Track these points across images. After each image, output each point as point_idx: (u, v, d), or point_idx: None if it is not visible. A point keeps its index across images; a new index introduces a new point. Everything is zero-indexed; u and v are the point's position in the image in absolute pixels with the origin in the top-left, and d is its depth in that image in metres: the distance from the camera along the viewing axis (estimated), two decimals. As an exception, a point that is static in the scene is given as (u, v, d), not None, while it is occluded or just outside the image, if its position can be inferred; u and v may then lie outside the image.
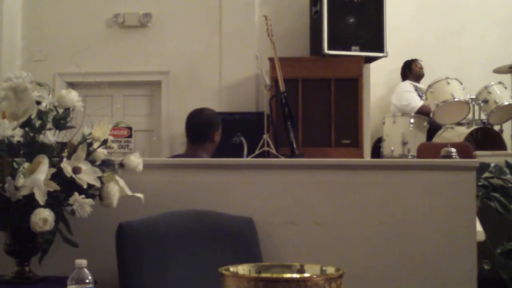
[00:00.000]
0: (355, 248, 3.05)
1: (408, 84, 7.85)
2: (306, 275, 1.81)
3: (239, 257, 2.67)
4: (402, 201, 3.08)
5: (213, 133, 4.46)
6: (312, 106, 6.70)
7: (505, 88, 7.28)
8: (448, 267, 2.99)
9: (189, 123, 4.57)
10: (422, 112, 7.29)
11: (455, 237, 3.00)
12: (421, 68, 8.09)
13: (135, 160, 2.75)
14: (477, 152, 5.59)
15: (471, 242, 3.00)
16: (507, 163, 4.67)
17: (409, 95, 7.64)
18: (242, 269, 1.84)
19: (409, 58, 8.14)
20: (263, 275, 1.79)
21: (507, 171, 4.46)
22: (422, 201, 3.07)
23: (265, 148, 5.90)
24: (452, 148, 3.25)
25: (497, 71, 7.53)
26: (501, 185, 4.33)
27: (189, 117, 4.62)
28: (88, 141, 2.62)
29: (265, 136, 6.02)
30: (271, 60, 6.59)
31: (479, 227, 3.50)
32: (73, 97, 2.68)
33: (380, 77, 7.92)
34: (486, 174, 4.46)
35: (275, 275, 1.80)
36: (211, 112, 4.71)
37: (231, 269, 1.77)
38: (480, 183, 4.25)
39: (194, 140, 4.48)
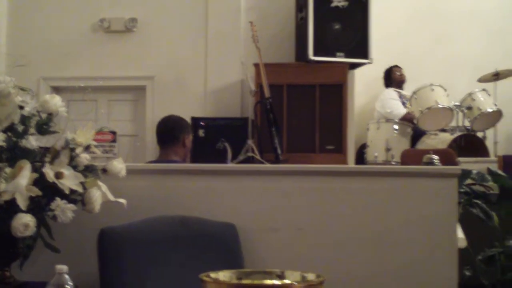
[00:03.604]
0: (337, 254, 3.06)
1: (391, 91, 7.89)
2: (287, 281, 1.82)
3: (221, 263, 2.67)
4: (384, 207, 3.09)
5: (183, 136, 4.53)
6: (296, 112, 6.72)
7: (489, 95, 7.34)
8: (429, 273, 3.00)
9: (158, 128, 4.68)
10: (406, 119, 7.33)
11: (437, 244, 3.01)
12: (401, 74, 8.11)
13: (118, 166, 2.75)
14: (460, 159, 5.63)
15: (452, 249, 3.01)
16: (489, 170, 4.70)
17: (392, 102, 7.67)
18: (223, 275, 1.85)
19: (392, 65, 8.17)
20: (244, 281, 1.79)
21: (489, 178, 4.49)
22: (404, 208, 3.08)
23: (249, 154, 5.90)
24: (434, 155, 3.27)
25: (481, 79, 7.59)
26: (483, 192, 4.35)
27: (159, 122, 4.73)
28: (71, 146, 2.61)
29: (250, 142, 6.02)
30: (256, 65, 6.61)
31: (460, 234, 3.52)
32: (56, 102, 2.67)
33: (365, 84, 7.96)
34: (469, 181, 4.48)
35: (255, 282, 1.81)
36: (179, 117, 4.80)
37: (212, 275, 1.78)
38: (462, 190, 4.27)
39: (164, 144, 4.57)
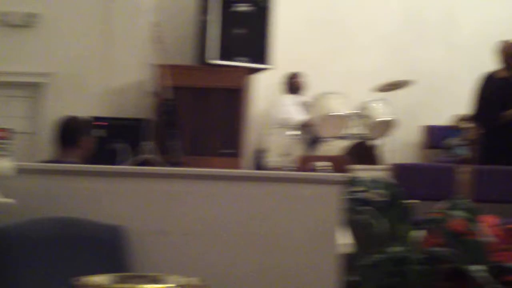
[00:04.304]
0: (224, 258, 3.08)
1: (288, 98, 7.98)
2: (160, 286, 1.82)
3: (105, 265, 2.65)
4: (271, 212, 3.14)
5: (82, 138, 4.46)
6: (196, 115, 6.72)
7: (385, 104, 7.53)
8: (311, 278, 3.06)
9: (57, 128, 4.58)
10: (302, 125, 7.43)
11: (319, 249, 3.08)
12: (301, 81, 8.21)
13: (6, 165, 2.69)
14: (354, 166, 5.75)
15: (333, 254, 3.08)
16: (380, 177, 4.83)
17: (288, 109, 7.76)
18: (98, 279, 1.84)
19: (292, 71, 8.27)
20: (115, 286, 1.79)
21: (380, 185, 4.60)
22: (290, 213, 3.13)
23: (147, 156, 5.87)
24: (324, 162, 3.34)
25: (379, 89, 7.79)
26: (372, 199, 4.47)
27: (59, 122, 4.63)
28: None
29: (147, 143, 5.99)
30: (158, 67, 6.57)
31: (348, 239, 3.61)
32: None
33: (265, 89, 8.01)
34: (360, 188, 4.59)
35: (126, 286, 1.81)
36: (80, 119, 4.74)
37: (84, 279, 1.77)
38: (352, 197, 4.37)
39: (62, 144, 4.47)
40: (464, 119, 8.13)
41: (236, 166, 6.37)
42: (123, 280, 1.85)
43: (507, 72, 6.63)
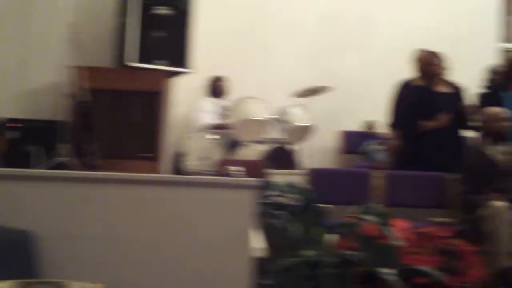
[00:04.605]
0: (134, 263, 3.06)
1: (207, 102, 8.00)
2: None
3: (13, 270, 2.59)
4: (186, 216, 3.15)
5: None
6: (114, 118, 6.64)
7: (303, 109, 7.62)
8: (224, 282, 3.07)
9: None
10: (222, 129, 7.46)
11: (233, 253, 3.10)
12: (225, 85, 8.25)
13: None
14: (271, 170, 5.80)
15: (247, 258, 3.10)
16: (294, 182, 4.89)
17: (206, 112, 7.78)
18: (3, 286, 1.80)
19: (214, 75, 8.29)
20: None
21: (294, 190, 4.66)
22: (205, 217, 3.14)
23: (62, 159, 5.77)
24: (238, 167, 3.36)
25: (298, 94, 7.87)
26: (287, 203, 4.52)
27: None
28: None
29: (63, 146, 5.89)
30: (76, 68, 6.46)
31: (262, 243, 3.63)
32: None
33: (186, 93, 8.00)
34: (275, 192, 4.63)
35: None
36: None
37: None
38: (268, 201, 4.41)
39: None
40: (375, 125, 8.33)
41: (155, 170, 6.32)
42: (25, 286, 1.82)
43: (422, 81, 6.78)
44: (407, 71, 7.03)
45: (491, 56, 8.97)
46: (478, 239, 5.01)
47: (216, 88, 8.25)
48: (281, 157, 7.22)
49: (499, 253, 4.98)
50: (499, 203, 5.10)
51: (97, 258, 3.06)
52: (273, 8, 8.99)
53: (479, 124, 6.18)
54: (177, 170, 7.24)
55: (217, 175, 5.42)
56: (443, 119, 6.38)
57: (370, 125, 8.55)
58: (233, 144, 7.32)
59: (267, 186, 4.51)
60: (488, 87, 7.15)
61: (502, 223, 5.02)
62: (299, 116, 7.52)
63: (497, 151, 5.60)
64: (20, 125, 6.58)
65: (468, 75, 6.99)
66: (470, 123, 6.54)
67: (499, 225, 5.01)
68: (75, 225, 3.07)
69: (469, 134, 6.69)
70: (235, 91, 8.04)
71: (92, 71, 6.48)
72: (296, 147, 7.60)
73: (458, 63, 6.77)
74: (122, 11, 7.00)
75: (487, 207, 5.12)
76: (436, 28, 8.95)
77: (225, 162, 6.44)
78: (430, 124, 6.37)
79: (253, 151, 7.22)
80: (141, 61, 6.74)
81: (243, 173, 3.42)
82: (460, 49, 8.04)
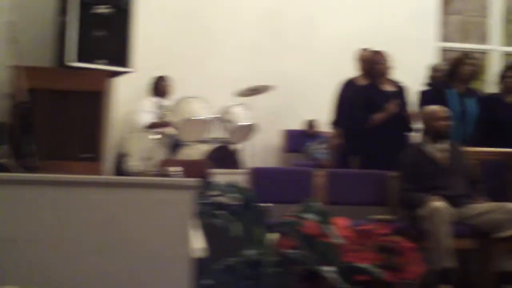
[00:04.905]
0: (72, 265, 3.03)
1: (148, 101, 7.97)
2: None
3: None
4: (126, 218, 3.13)
5: None
6: (54, 118, 6.53)
7: (246, 109, 7.65)
8: (164, 283, 3.06)
9: None
10: (164, 128, 7.43)
11: (172, 254, 3.09)
12: (168, 85, 8.23)
13: None
14: (214, 170, 5.79)
15: (187, 259, 3.10)
16: (234, 181, 4.89)
17: (147, 112, 7.75)
18: None
19: (157, 75, 8.26)
20: None
21: (234, 189, 4.67)
22: (144, 218, 3.13)
23: (1, 160, 5.67)
24: (176, 167, 3.35)
25: (240, 94, 7.89)
26: (227, 203, 4.52)
27: None
28: None
29: (1, 147, 5.78)
30: (14, 68, 6.35)
31: (201, 244, 3.63)
32: None
33: (127, 92, 7.94)
34: (215, 192, 4.63)
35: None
36: None
37: None
38: (208, 201, 4.40)
39: None
40: (316, 124, 8.40)
41: (96, 171, 6.26)
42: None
43: (366, 80, 6.84)
44: (350, 70, 7.11)
45: (430, 55, 9.13)
46: (417, 236, 5.10)
47: (159, 88, 8.22)
48: (224, 156, 7.23)
49: (438, 251, 5.07)
50: (437, 203, 5.18)
51: (31, 261, 3.01)
52: (217, 7, 8.99)
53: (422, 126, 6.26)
54: (119, 171, 7.19)
55: (158, 176, 5.39)
56: (390, 108, 6.39)
57: (311, 124, 8.62)
58: (175, 144, 7.30)
59: (208, 186, 4.51)
60: (430, 85, 7.26)
61: (441, 222, 5.10)
62: (242, 115, 7.55)
63: (436, 149, 5.68)
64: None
65: (409, 74, 7.09)
66: (413, 126, 6.60)
67: (437, 224, 5.09)
68: (13, 228, 3.02)
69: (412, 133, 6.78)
70: (178, 90, 8.01)
71: (31, 71, 6.38)
72: (238, 146, 7.62)
73: (398, 62, 6.86)
74: (62, 10, 6.90)
75: (425, 207, 5.19)
76: (377, 28, 9.07)
77: (167, 163, 6.41)
78: (379, 116, 6.39)
79: (196, 151, 7.20)
80: (81, 61, 6.64)
81: (181, 173, 3.40)
82: (400, 49, 8.14)
